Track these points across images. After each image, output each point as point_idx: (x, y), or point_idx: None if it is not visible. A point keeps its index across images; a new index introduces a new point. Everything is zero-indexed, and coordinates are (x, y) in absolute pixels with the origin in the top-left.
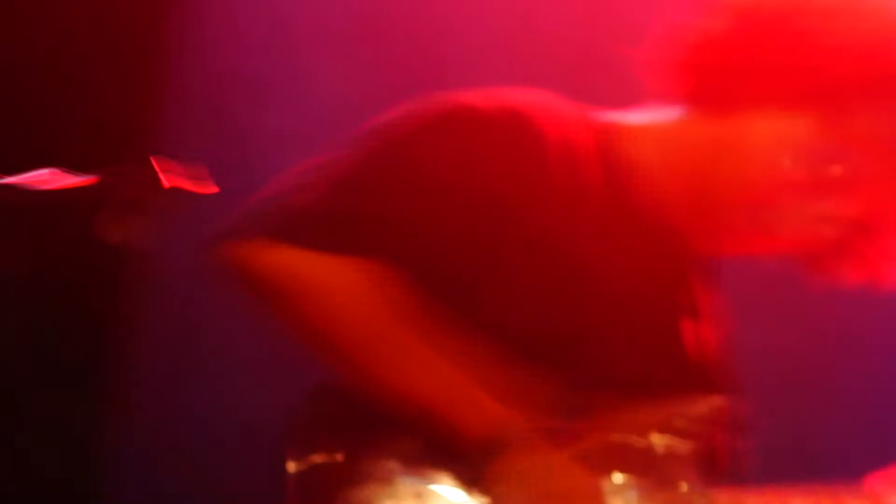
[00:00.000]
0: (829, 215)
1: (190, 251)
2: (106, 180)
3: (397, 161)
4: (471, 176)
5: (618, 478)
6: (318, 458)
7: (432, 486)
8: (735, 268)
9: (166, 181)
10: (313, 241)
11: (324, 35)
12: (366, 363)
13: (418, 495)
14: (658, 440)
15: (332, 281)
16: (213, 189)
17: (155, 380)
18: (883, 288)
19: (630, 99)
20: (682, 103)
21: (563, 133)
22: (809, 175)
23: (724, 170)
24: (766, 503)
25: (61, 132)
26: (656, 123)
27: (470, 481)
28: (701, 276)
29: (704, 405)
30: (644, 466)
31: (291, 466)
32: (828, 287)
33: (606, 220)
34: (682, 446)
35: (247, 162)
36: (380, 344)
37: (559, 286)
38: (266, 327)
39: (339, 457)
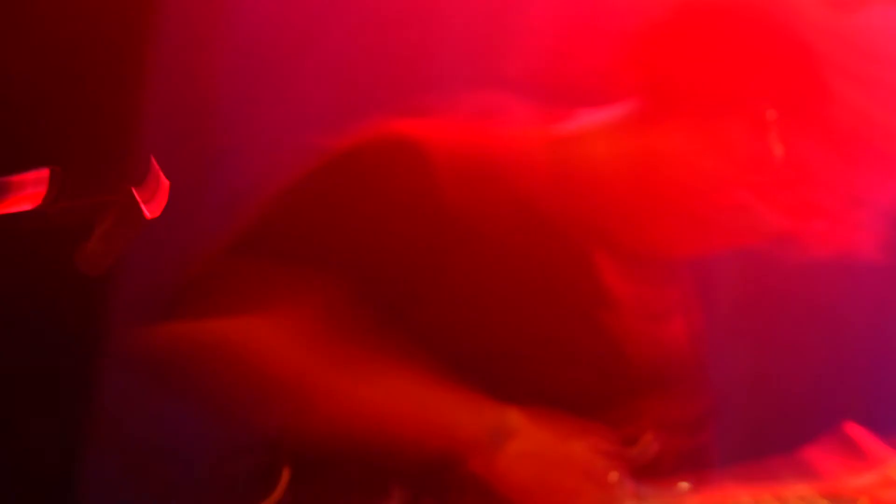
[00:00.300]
0: (776, 207)
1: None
2: (86, 205)
3: (290, 213)
4: (361, 215)
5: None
6: None
7: None
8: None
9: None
10: (223, 306)
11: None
12: (326, 406)
13: None
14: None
15: (258, 340)
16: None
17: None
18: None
19: (586, 100)
20: (629, 106)
21: (473, 150)
22: (750, 173)
23: (667, 175)
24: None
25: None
26: (601, 127)
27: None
28: (646, 278)
29: (652, 406)
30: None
31: None
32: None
33: (524, 234)
34: (625, 450)
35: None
36: (333, 383)
37: (471, 309)
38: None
39: None
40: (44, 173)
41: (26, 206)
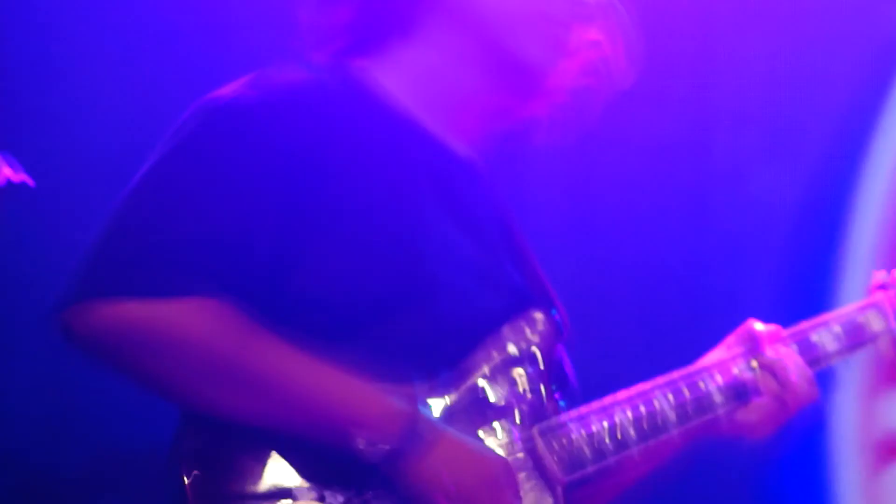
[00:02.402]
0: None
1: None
2: None
3: (177, 178)
4: (243, 169)
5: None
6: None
7: None
8: None
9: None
10: (142, 288)
11: None
12: (243, 392)
13: None
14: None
15: (175, 326)
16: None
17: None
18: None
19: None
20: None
21: (326, 92)
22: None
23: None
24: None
25: None
26: (376, 62)
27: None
28: (496, 194)
29: (538, 322)
30: (518, 408)
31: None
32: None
33: (413, 161)
34: (539, 372)
35: None
36: (250, 369)
37: (366, 246)
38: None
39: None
40: None
41: None
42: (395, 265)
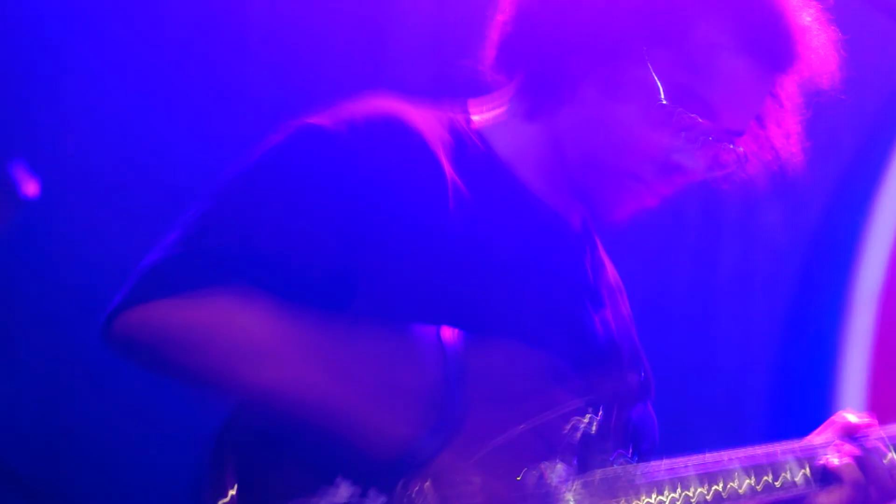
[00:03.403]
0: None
1: None
2: None
3: (255, 190)
4: (335, 189)
5: (558, 469)
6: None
7: None
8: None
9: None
10: (190, 287)
11: None
12: (279, 387)
13: None
14: (580, 422)
15: (220, 322)
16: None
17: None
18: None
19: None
20: (516, 93)
21: (432, 127)
22: (652, 132)
23: (571, 154)
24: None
25: None
26: (496, 116)
27: None
28: (596, 256)
29: (617, 382)
30: (570, 449)
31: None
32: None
33: (502, 207)
34: (602, 424)
35: None
36: (287, 365)
37: (453, 275)
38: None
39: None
40: None
41: None
42: (449, 304)
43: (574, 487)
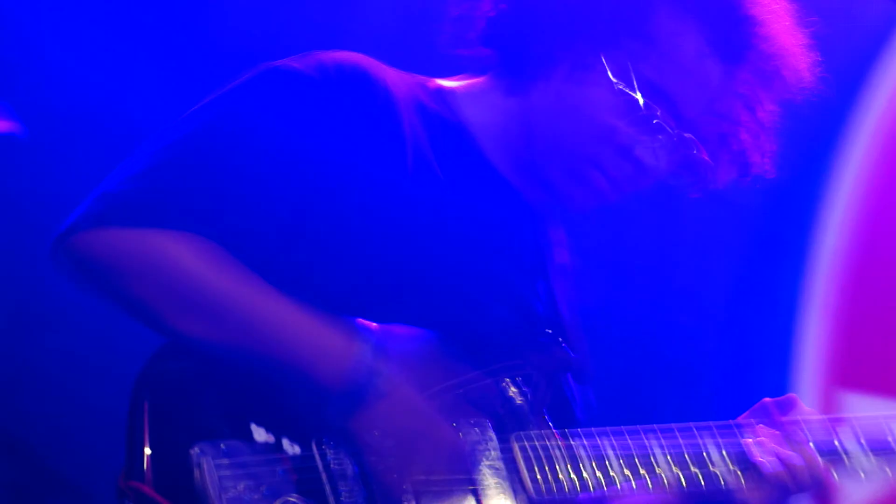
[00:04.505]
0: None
1: None
2: None
3: (217, 132)
4: (296, 134)
5: (477, 432)
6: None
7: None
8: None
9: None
10: (145, 219)
11: None
12: (223, 315)
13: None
14: (510, 388)
15: (171, 252)
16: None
17: None
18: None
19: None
20: (498, 66)
21: (400, 88)
22: (617, 121)
23: (538, 133)
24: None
25: None
26: (469, 86)
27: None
28: (550, 236)
29: (549, 356)
30: (498, 413)
31: (147, 450)
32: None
33: (461, 174)
34: (528, 394)
35: None
36: (233, 297)
37: (403, 232)
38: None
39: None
40: None
41: None
42: (395, 259)
43: (492, 453)
